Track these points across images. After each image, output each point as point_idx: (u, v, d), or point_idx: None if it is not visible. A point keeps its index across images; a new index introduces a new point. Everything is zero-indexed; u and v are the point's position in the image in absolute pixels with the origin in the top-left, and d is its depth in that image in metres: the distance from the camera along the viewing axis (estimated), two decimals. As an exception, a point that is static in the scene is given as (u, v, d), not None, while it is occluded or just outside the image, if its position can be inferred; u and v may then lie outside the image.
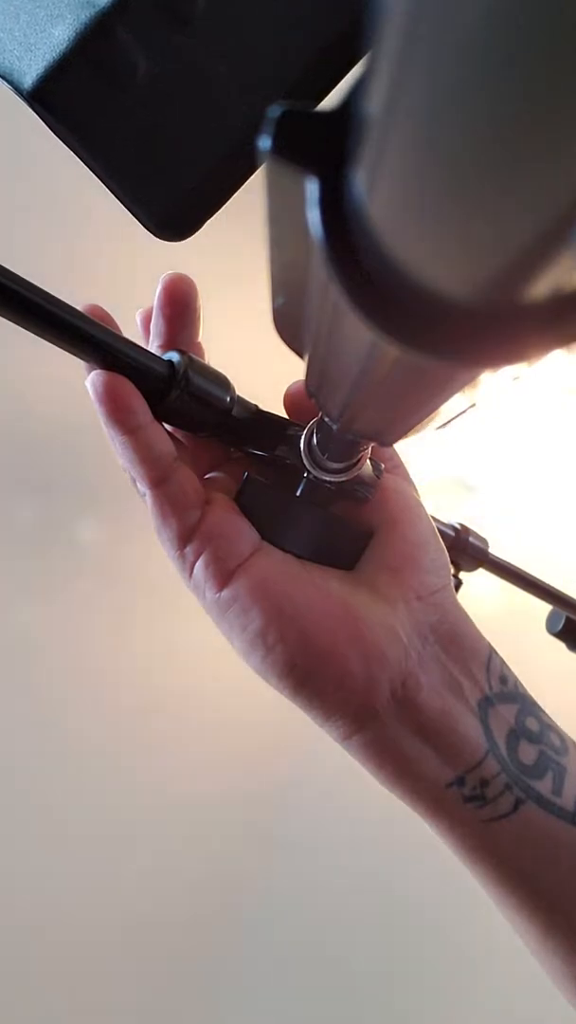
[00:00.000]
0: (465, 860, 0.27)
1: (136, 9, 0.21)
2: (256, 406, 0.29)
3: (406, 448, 0.29)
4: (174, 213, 0.22)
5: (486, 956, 0.81)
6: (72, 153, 0.22)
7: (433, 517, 0.31)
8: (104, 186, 0.22)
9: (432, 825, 0.27)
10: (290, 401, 0.30)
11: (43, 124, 0.22)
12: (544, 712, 0.28)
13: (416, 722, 0.26)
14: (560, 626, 0.46)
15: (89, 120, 0.21)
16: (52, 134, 0.22)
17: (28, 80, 0.21)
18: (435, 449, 0.74)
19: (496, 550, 0.41)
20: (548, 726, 0.28)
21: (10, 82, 0.21)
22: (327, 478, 0.28)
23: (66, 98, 0.21)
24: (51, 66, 0.20)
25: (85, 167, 0.22)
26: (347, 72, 0.23)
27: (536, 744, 0.27)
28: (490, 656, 0.28)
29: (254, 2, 0.22)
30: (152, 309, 0.29)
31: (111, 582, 0.73)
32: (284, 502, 0.28)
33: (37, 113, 0.21)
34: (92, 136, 0.21)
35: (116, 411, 0.25)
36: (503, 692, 0.27)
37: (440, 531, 0.31)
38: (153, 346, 0.28)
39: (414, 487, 0.31)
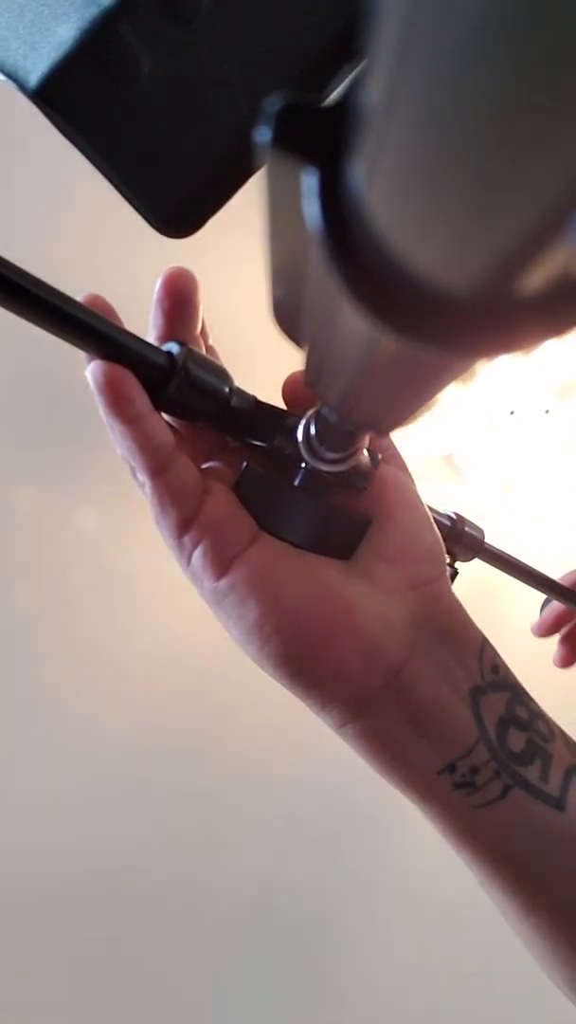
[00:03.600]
0: (453, 843, 0.27)
1: (140, 7, 0.21)
2: (254, 397, 0.30)
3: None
4: (178, 210, 0.22)
5: (488, 948, 0.81)
6: (75, 149, 0.22)
7: (429, 507, 0.31)
8: (108, 182, 0.22)
9: (423, 809, 0.28)
10: (288, 391, 0.30)
11: (45, 120, 0.22)
12: (533, 700, 0.29)
13: (409, 711, 0.27)
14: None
15: (94, 118, 0.21)
16: (54, 130, 0.22)
17: (33, 79, 0.21)
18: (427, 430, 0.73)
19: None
20: (536, 714, 0.28)
21: (15, 80, 0.21)
22: (325, 468, 0.28)
23: (71, 96, 0.21)
24: (56, 65, 0.20)
25: (87, 162, 0.22)
26: (353, 67, 0.23)
27: (525, 732, 0.27)
28: (483, 645, 0.29)
29: None
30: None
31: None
32: (282, 492, 0.29)
33: (42, 111, 0.21)
34: (97, 134, 0.21)
35: (116, 401, 0.25)
36: (495, 681, 0.28)
37: (436, 521, 0.31)
38: (151, 338, 0.29)
39: (411, 477, 0.31)
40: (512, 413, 0.68)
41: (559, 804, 0.26)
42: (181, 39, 0.21)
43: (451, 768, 0.26)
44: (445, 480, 0.78)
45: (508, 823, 0.26)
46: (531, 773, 0.26)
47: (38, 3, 0.22)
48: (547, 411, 0.68)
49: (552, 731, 0.28)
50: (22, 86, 0.21)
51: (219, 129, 0.22)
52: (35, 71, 0.21)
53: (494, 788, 0.26)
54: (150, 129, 0.22)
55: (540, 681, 0.37)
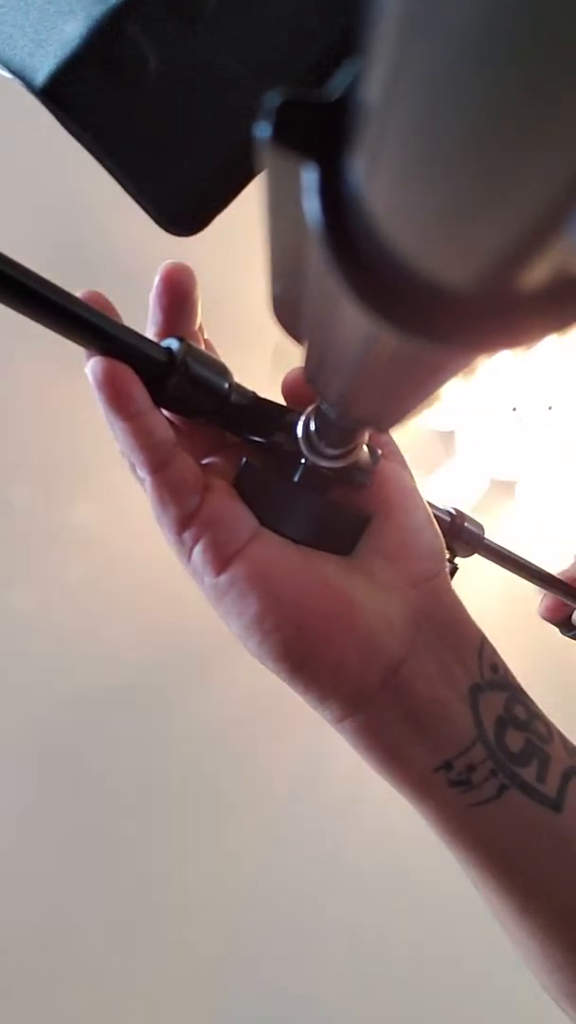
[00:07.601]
0: (448, 842, 0.27)
1: (147, 4, 0.21)
2: (253, 393, 0.30)
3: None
4: (185, 208, 0.22)
5: (487, 946, 0.81)
6: (80, 146, 0.22)
7: (429, 503, 0.31)
8: (115, 180, 0.22)
9: (417, 807, 0.28)
10: (288, 388, 0.30)
11: (49, 118, 0.22)
12: (532, 700, 0.29)
13: (407, 708, 0.27)
14: (553, 613, 0.47)
15: (101, 116, 0.21)
16: (55, 128, 0.22)
17: (40, 77, 0.21)
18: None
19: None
20: (535, 714, 0.28)
21: (22, 79, 0.22)
22: (324, 464, 0.28)
23: (78, 95, 0.21)
24: (62, 63, 0.20)
25: (88, 160, 0.22)
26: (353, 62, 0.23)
27: (523, 732, 0.27)
28: (482, 644, 0.29)
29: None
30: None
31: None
32: (282, 488, 0.29)
33: (49, 109, 0.21)
34: (104, 132, 0.21)
35: (116, 397, 0.25)
36: (493, 680, 0.28)
37: (436, 517, 0.31)
38: (150, 334, 0.29)
39: (411, 473, 0.31)
40: (515, 409, 0.68)
41: (556, 805, 0.26)
42: (188, 37, 0.21)
43: (447, 766, 0.26)
44: (446, 477, 0.78)
45: (503, 823, 0.26)
46: (528, 773, 0.26)
47: (44, 0, 0.22)
48: (550, 407, 0.68)
49: (551, 732, 0.28)
50: (28, 84, 0.21)
51: (226, 127, 0.22)
52: (42, 69, 0.21)
53: (489, 787, 0.26)
54: (157, 127, 0.22)
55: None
